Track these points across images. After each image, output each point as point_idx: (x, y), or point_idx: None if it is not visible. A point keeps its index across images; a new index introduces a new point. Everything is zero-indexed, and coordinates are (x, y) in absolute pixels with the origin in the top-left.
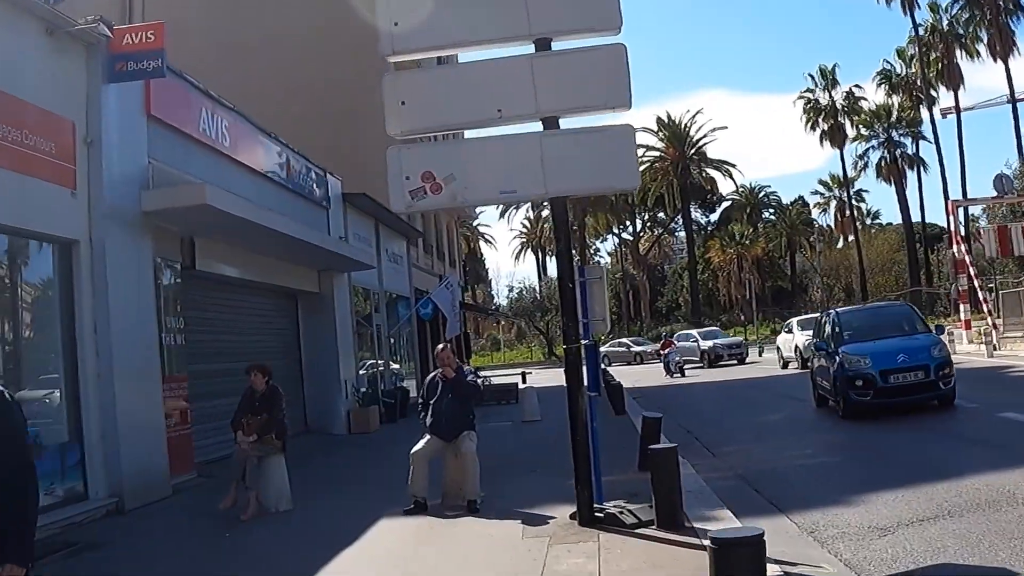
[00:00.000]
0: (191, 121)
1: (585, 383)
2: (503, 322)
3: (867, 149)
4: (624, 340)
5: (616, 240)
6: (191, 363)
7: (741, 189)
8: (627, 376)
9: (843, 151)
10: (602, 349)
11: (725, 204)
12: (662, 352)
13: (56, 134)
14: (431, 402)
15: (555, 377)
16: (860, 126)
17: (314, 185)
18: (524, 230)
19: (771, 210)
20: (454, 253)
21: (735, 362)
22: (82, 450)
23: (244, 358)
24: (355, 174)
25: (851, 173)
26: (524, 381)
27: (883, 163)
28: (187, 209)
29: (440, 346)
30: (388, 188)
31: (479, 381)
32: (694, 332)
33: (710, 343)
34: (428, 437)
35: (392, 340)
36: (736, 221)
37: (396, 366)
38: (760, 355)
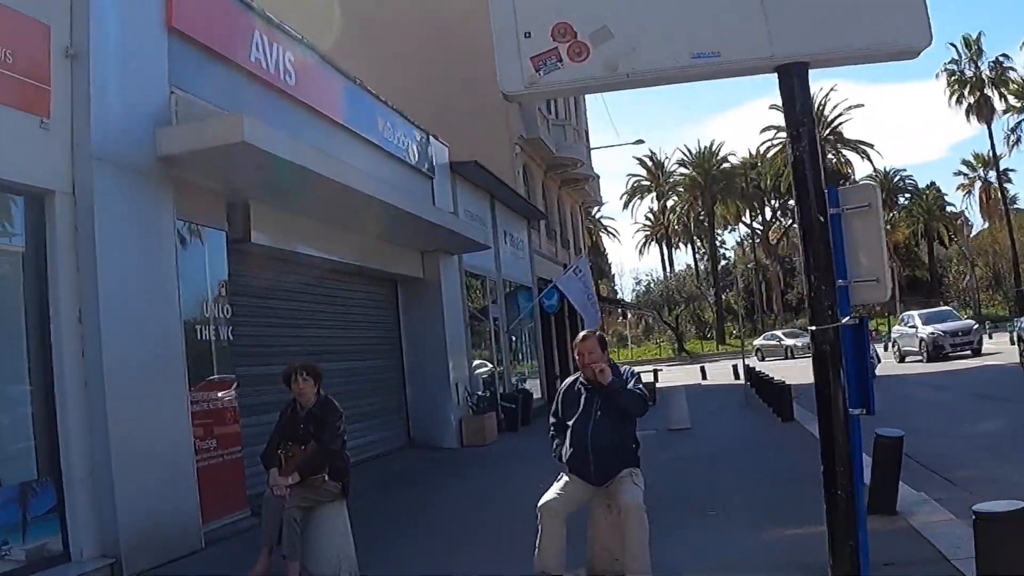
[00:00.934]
0: (237, 45)
1: (845, 392)
2: (629, 317)
3: (1019, 123)
4: (776, 332)
5: (746, 230)
6: (241, 364)
7: (875, 174)
8: (786, 373)
9: (991, 126)
10: (756, 342)
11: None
12: None
13: (17, 38)
14: (570, 423)
15: (688, 375)
16: (1010, 97)
17: (413, 148)
18: (648, 222)
19: (906, 195)
20: (579, 241)
21: (968, 353)
22: (60, 491)
23: (322, 358)
24: (463, 147)
25: (1001, 150)
26: (656, 379)
27: None
28: (221, 153)
29: (582, 334)
30: (495, 55)
31: (642, 387)
32: (914, 315)
33: (931, 329)
34: (565, 479)
35: (513, 337)
36: None
37: (516, 367)
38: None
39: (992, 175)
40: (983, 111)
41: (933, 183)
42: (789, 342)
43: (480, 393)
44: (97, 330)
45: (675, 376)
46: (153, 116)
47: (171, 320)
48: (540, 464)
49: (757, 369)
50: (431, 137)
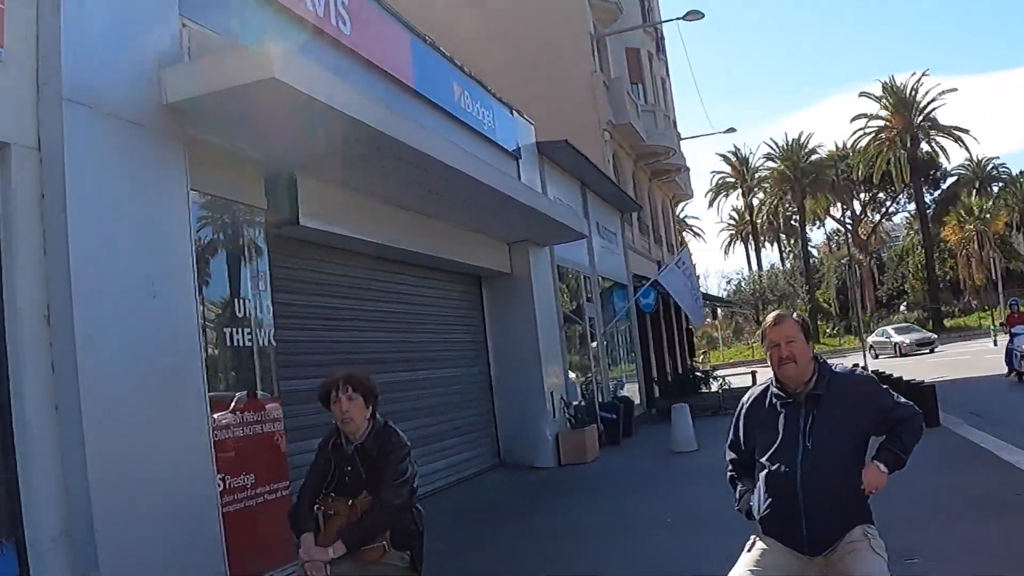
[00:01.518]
0: None
1: None
2: (720, 318)
3: None
4: (887, 328)
5: (836, 224)
6: (289, 376)
7: (967, 163)
8: (903, 373)
9: None
10: (868, 340)
11: (950, 180)
12: (1008, 330)
13: None
14: (764, 459)
15: None
16: None
17: (494, 122)
18: (733, 221)
19: (999, 184)
20: (671, 238)
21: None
22: (22, 558)
23: (388, 368)
24: (548, 134)
25: None
26: (755, 381)
27: None
28: (244, 97)
29: (774, 316)
30: None
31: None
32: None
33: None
34: (760, 547)
35: (606, 339)
36: (964, 197)
37: (611, 371)
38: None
39: None
40: None
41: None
42: (898, 339)
43: (577, 403)
44: (71, 333)
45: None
46: (157, 53)
47: (184, 320)
48: (659, 488)
49: (875, 368)
50: (515, 112)
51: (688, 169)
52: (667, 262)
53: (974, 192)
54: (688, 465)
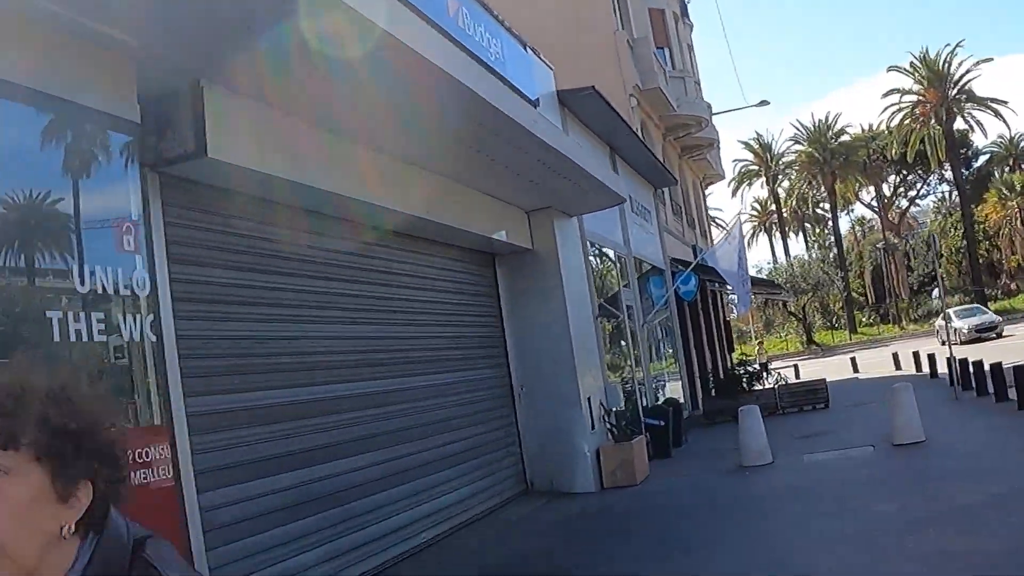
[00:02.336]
0: None
1: None
2: (753, 309)
3: None
4: (949, 312)
5: (865, 209)
6: (199, 392)
7: (1000, 140)
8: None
9: None
10: (936, 324)
11: (982, 159)
12: None
13: None
14: None
15: (830, 369)
16: None
17: (503, 54)
18: (756, 211)
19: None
20: (703, 222)
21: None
22: None
23: (363, 374)
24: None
25: None
26: (797, 375)
27: None
28: None
29: None
30: None
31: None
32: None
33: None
34: None
35: (647, 332)
36: (997, 175)
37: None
38: None
39: None
40: None
41: None
42: (958, 323)
43: (619, 409)
44: None
45: (814, 370)
46: None
47: None
48: (747, 523)
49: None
50: (530, 50)
51: (719, 145)
52: (703, 247)
53: (1007, 170)
54: (770, 484)
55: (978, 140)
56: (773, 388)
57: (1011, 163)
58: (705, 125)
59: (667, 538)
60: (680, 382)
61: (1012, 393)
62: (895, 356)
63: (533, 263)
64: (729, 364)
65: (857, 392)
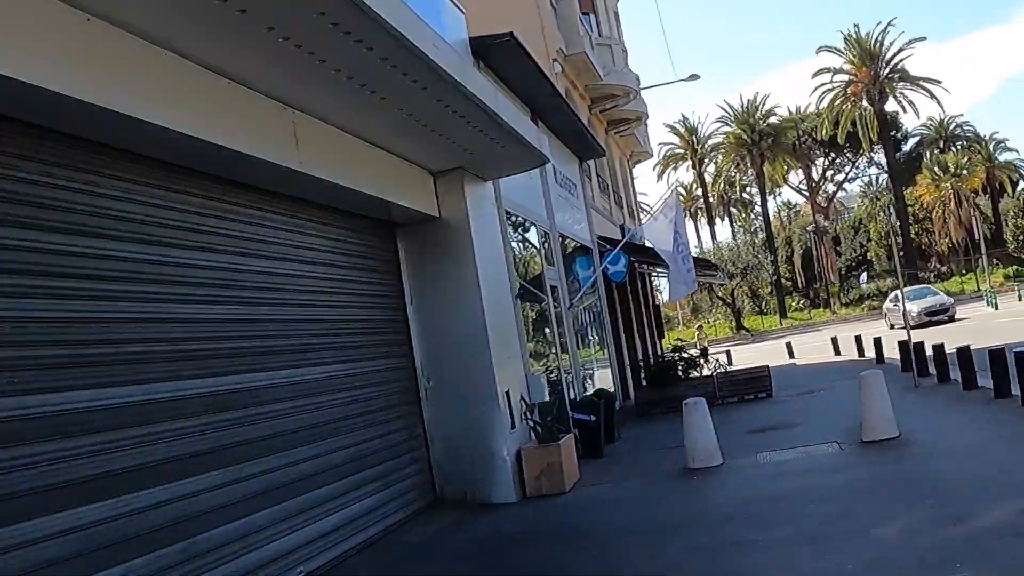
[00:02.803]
0: None
1: None
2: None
3: None
4: (898, 293)
5: (794, 192)
6: None
7: (929, 122)
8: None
9: None
10: (886, 306)
11: (913, 141)
12: None
13: None
14: None
15: (762, 354)
16: None
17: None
18: (681, 197)
19: (961, 144)
20: (632, 202)
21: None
22: None
23: (238, 366)
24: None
25: None
26: (730, 361)
27: None
28: None
29: None
30: None
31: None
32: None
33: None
34: None
35: (574, 316)
36: (927, 158)
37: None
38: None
39: None
40: None
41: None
42: (908, 306)
43: (543, 403)
44: None
45: (747, 356)
46: None
47: None
48: (709, 544)
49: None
50: None
51: (647, 121)
52: (631, 228)
53: (937, 152)
54: (728, 495)
55: (908, 123)
56: (711, 376)
57: (942, 145)
58: (633, 96)
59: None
60: (610, 371)
61: (984, 380)
62: (834, 341)
63: (441, 234)
64: (660, 351)
65: (800, 379)
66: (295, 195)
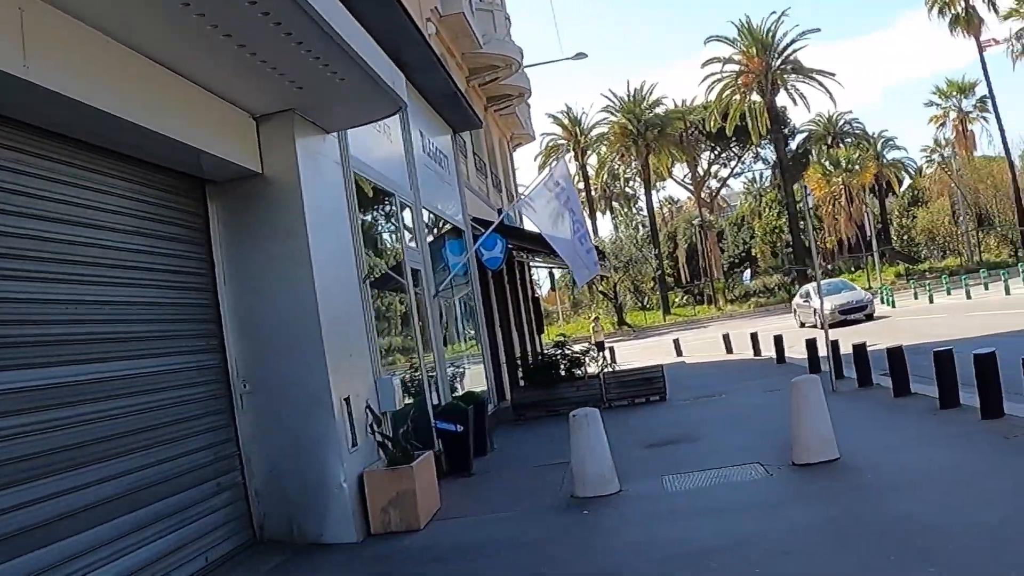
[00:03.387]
0: None
1: None
2: (558, 290)
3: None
4: (808, 288)
5: (678, 185)
6: None
7: (817, 118)
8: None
9: (980, 40)
10: (795, 302)
11: (801, 137)
12: None
13: None
14: None
15: (645, 351)
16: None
17: None
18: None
19: (851, 140)
20: (510, 185)
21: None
22: None
23: None
24: None
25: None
26: (613, 358)
27: None
28: None
29: None
30: None
31: None
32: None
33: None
34: None
35: (442, 303)
36: (816, 154)
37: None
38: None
39: (969, 104)
40: (972, 23)
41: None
42: (817, 303)
43: (397, 412)
44: None
45: (631, 354)
46: None
47: None
48: None
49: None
50: None
51: (530, 99)
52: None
53: (825, 148)
54: (633, 544)
55: (797, 118)
56: (598, 376)
57: (830, 141)
58: (516, 69)
59: None
60: (484, 370)
61: (920, 386)
62: (726, 339)
63: (264, 196)
64: (540, 347)
65: (694, 381)
66: (66, 134)
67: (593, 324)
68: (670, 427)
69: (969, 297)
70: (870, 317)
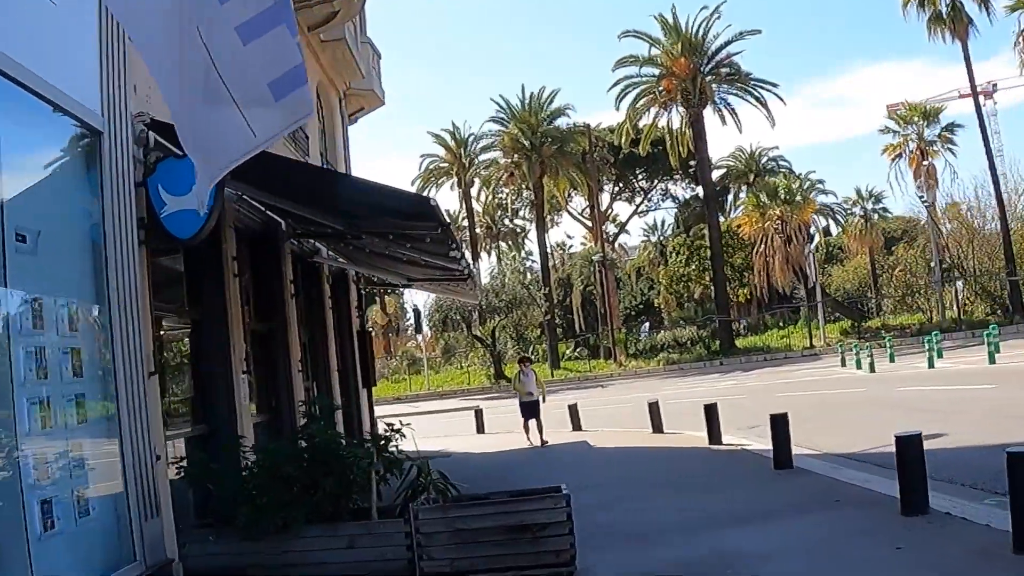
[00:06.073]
0: None
1: None
2: (425, 336)
3: None
4: None
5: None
6: None
7: (738, 153)
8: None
9: (967, 43)
10: None
11: (718, 173)
12: None
13: None
14: None
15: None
16: None
17: None
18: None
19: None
20: (336, 158)
21: None
22: None
23: None
24: None
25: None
26: (480, 425)
27: None
28: None
29: None
30: None
31: None
32: None
33: None
34: None
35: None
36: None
37: None
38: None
39: (932, 132)
40: (958, 22)
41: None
42: None
43: None
44: None
45: (507, 422)
46: None
47: None
48: None
49: None
50: None
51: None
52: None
53: (744, 187)
54: None
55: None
56: (398, 502)
57: (751, 179)
58: None
59: None
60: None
61: None
62: (653, 408)
63: None
64: (367, 410)
65: (618, 494)
66: None
67: (521, 367)
68: None
69: (993, 362)
70: None
